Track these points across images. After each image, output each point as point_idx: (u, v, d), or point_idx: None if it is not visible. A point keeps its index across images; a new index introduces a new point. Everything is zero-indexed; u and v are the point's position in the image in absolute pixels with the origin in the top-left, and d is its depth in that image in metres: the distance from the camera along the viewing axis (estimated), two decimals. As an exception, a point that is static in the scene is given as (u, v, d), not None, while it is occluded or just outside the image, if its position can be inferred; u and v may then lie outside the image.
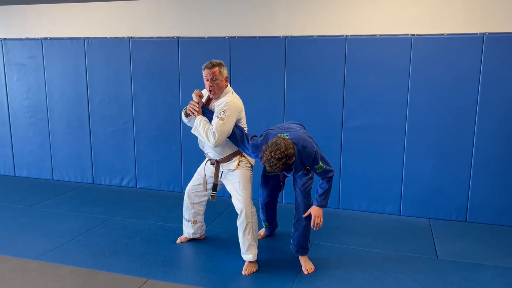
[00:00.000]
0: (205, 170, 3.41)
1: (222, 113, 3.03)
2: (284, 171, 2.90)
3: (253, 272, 3.16)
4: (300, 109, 4.47)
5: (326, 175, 3.01)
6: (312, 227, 3.10)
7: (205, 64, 3.14)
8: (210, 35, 4.68)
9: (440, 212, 4.24)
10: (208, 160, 3.38)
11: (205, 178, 3.43)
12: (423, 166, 4.21)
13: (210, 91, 3.14)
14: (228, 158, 3.24)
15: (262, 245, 3.51)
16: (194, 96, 3.21)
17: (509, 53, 3.85)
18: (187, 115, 3.30)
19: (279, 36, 4.43)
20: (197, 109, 3.16)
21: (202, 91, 3.28)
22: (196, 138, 3.27)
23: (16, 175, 5.68)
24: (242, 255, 3.23)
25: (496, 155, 4.02)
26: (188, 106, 3.21)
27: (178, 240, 3.67)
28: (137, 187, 5.19)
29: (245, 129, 3.26)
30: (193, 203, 3.52)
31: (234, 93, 3.25)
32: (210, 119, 3.14)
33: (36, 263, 3.26)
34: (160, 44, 4.82)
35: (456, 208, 4.19)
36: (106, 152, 5.25)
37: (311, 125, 4.44)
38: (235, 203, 3.22)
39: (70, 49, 5.14)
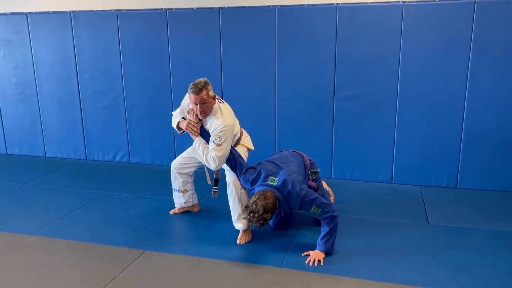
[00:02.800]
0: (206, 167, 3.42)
1: (218, 138, 3.09)
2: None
3: (248, 241, 3.21)
4: (292, 79, 4.45)
5: (324, 216, 2.94)
6: (306, 262, 2.90)
7: (191, 89, 3.06)
8: (199, 5, 4.60)
9: (431, 179, 4.30)
10: None
11: (207, 172, 3.49)
12: (414, 134, 4.24)
13: (201, 114, 3.14)
14: None
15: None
16: (192, 117, 3.20)
17: (500, 18, 3.83)
18: (180, 129, 3.31)
19: (269, 6, 4.37)
20: (196, 130, 3.20)
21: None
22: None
23: (8, 153, 5.66)
24: (233, 224, 3.29)
25: (486, 122, 4.05)
26: (186, 125, 3.21)
27: (171, 212, 3.71)
28: (131, 162, 5.20)
29: (238, 132, 3.34)
30: (180, 173, 3.55)
31: (222, 106, 3.24)
32: (205, 139, 3.21)
33: (32, 238, 3.29)
34: (148, 17, 4.74)
35: (447, 175, 4.25)
36: (98, 128, 5.22)
37: (303, 96, 4.45)
38: (227, 176, 3.26)
39: (56, 23, 5.04)
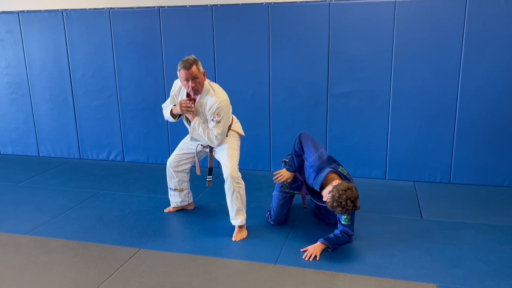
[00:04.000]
0: (196, 154, 3.42)
1: (217, 116, 3.10)
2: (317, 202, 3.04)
3: (243, 238, 3.22)
4: (286, 76, 4.45)
5: (348, 229, 3.02)
6: (304, 257, 2.92)
7: (181, 65, 3.02)
8: (192, 3, 4.59)
9: (425, 175, 4.33)
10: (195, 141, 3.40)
11: (197, 162, 3.47)
12: (407, 130, 4.26)
13: (193, 91, 3.08)
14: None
15: (250, 212, 3.57)
16: (183, 100, 3.16)
17: (491, 13, 3.86)
18: (174, 116, 3.27)
19: (262, 3, 4.37)
20: (192, 107, 3.13)
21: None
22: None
23: (1, 153, 5.62)
24: (231, 220, 3.29)
25: (478, 117, 4.08)
26: (179, 107, 3.15)
27: (166, 210, 3.71)
28: (125, 160, 5.19)
29: (230, 118, 3.31)
30: (177, 171, 3.53)
31: (213, 85, 3.22)
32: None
33: (26, 238, 3.28)
34: (141, 14, 4.72)
35: (440, 170, 4.28)
36: (91, 127, 5.20)
37: (297, 93, 4.46)
38: (223, 170, 3.25)
39: (48, 22, 5.01)
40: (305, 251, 2.98)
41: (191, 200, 3.74)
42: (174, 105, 3.28)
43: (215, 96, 3.12)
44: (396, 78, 4.17)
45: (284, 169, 3.26)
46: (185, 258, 2.94)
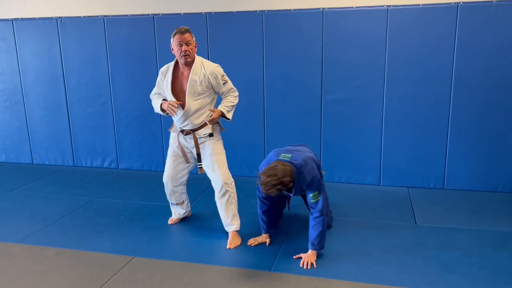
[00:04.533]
0: (181, 145, 3.36)
1: (223, 77, 3.23)
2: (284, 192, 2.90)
3: (237, 245, 3.21)
4: (280, 83, 4.47)
5: (317, 208, 2.90)
6: (301, 265, 2.91)
7: (177, 30, 3.10)
8: (186, 11, 4.62)
9: (419, 181, 4.35)
10: (179, 133, 3.33)
11: (183, 152, 3.37)
12: (401, 136, 4.29)
13: (185, 56, 3.10)
14: (202, 125, 3.26)
15: (245, 219, 3.57)
16: (171, 102, 3.16)
17: (483, 21, 3.91)
18: (163, 110, 3.29)
19: (256, 11, 4.40)
20: (175, 109, 3.13)
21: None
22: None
23: (-6, 160, 5.60)
24: (226, 227, 3.29)
25: (471, 124, 4.12)
26: (166, 106, 3.17)
27: (170, 221, 3.64)
28: (119, 168, 5.17)
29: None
30: (175, 186, 3.48)
31: (203, 59, 3.28)
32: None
33: (20, 246, 3.26)
34: (135, 22, 4.74)
35: (434, 176, 4.31)
36: (86, 134, 5.19)
37: (291, 100, 4.48)
38: (213, 177, 3.25)
39: (42, 29, 5.01)
40: (299, 257, 2.98)
41: (189, 209, 3.74)
42: (164, 99, 3.29)
43: (210, 65, 3.21)
44: (389, 85, 4.21)
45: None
46: (180, 266, 2.94)
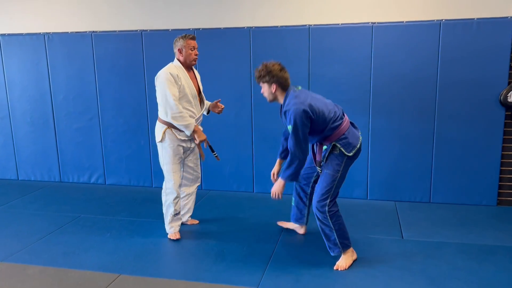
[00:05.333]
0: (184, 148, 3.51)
1: None
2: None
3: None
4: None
5: (291, 144, 2.91)
6: (272, 198, 3.09)
7: (187, 36, 3.37)
8: (174, 27, 4.65)
9: (405, 195, 4.39)
10: (184, 137, 3.45)
11: (201, 150, 3.58)
12: (388, 151, 4.34)
13: (196, 59, 3.43)
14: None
15: (233, 235, 3.55)
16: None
17: (464, 38, 4.00)
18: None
19: (244, 27, 4.45)
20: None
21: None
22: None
23: (-21, 176, 5.52)
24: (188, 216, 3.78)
25: (456, 137, 4.18)
26: (203, 140, 3.42)
27: (174, 238, 3.58)
28: (106, 183, 5.14)
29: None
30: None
31: None
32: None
33: (3, 265, 3.20)
34: (123, 38, 4.75)
35: (420, 190, 4.35)
36: (72, 149, 5.15)
37: (279, 115, 4.49)
38: (196, 173, 3.71)
39: (30, 45, 5.00)
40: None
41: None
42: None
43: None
44: (374, 100, 4.26)
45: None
46: (166, 283, 2.91)
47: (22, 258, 3.31)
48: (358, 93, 4.28)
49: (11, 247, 3.50)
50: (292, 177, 3.04)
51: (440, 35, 4.03)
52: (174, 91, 3.28)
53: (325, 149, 3.06)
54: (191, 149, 3.60)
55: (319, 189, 3.05)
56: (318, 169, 3.15)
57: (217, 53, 4.54)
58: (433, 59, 4.09)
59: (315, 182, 3.33)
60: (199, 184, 3.79)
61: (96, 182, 5.16)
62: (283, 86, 3.02)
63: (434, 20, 4.04)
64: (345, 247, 3.10)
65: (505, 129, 4.10)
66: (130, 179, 5.06)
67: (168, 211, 3.56)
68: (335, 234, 3.06)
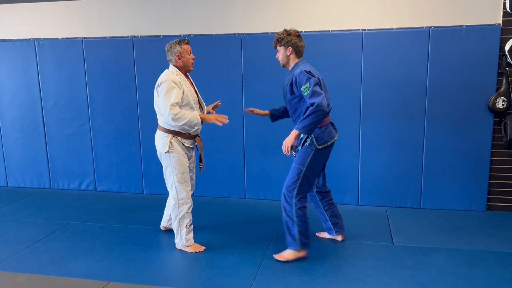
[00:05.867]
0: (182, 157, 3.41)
1: None
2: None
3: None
4: (259, 106, 4.48)
5: (309, 100, 2.99)
6: (284, 152, 3.08)
7: (183, 41, 3.34)
8: (165, 33, 4.65)
9: (396, 200, 4.40)
10: (190, 145, 3.45)
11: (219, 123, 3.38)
12: (378, 156, 4.36)
13: (193, 64, 3.42)
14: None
15: (223, 241, 3.53)
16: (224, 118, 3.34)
17: (453, 45, 4.04)
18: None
19: (235, 34, 4.46)
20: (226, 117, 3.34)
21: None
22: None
23: (-33, 183, 5.46)
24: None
25: (445, 143, 4.21)
26: (215, 120, 3.31)
27: (197, 251, 3.45)
28: (97, 190, 5.10)
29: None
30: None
31: None
32: None
33: (-10, 273, 3.16)
34: (114, 44, 4.75)
35: (411, 196, 4.37)
36: (63, 156, 5.12)
37: (270, 122, 4.50)
38: (193, 183, 3.62)
39: (20, 51, 4.98)
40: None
41: None
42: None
43: None
44: (365, 106, 4.29)
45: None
46: (156, 291, 2.89)
47: (10, 266, 3.27)
48: (349, 99, 4.30)
49: (-1, 255, 3.47)
50: (307, 129, 3.00)
51: (429, 42, 4.07)
52: (179, 99, 3.23)
53: (301, 137, 3.21)
54: (192, 157, 3.57)
55: (286, 181, 3.19)
56: (294, 153, 3.26)
57: (209, 60, 4.55)
58: (422, 65, 4.12)
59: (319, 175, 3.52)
60: (193, 191, 3.70)
61: (86, 188, 5.13)
62: (298, 52, 3.23)
63: (423, 27, 4.08)
64: (303, 246, 3.22)
65: (493, 135, 4.14)
66: (121, 185, 5.03)
67: (183, 223, 3.39)
68: (296, 229, 3.18)
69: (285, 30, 3.23)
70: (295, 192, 3.15)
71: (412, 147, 4.27)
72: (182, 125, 3.24)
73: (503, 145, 4.14)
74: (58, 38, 4.89)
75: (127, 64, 4.73)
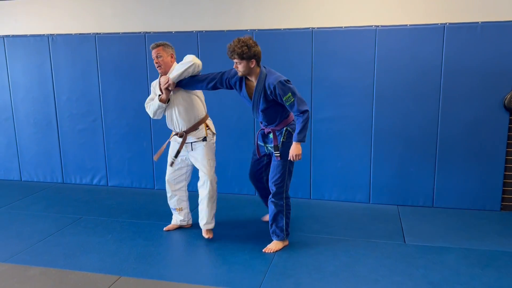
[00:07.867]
0: (170, 145, 3.63)
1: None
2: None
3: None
4: (270, 102, 4.49)
5: (298, 108, 3.08)
6: (290, 158, 3.22)
7: (151, 46, 3.42)
8: (177, 29, 4.66)
9: (408, 199, 4.36)
10: (174, 136, 3.58)
11: (163, 149, 3.65)
12: (390, 154, 4.31)
13: (157, 66, 3.41)
14: (194, 127, 3.51)
15: (234, 238, 3.55)
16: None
17: (468, 41, 3.98)
18: (164, 101, 3.44)
19: (247, 30, 4.44)
20: (171, 83, 3.33)
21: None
22: (165, 132, 3.27)
23: (-18, 177, 5.54)
24: (206, 225, 3.53)
25: (459, 142, 4.15)
26: (160, 85, 3.39)
27: (166, 228, 3.80)
28: (109, 185, 5.14)
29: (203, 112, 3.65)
30: (175, 190, 3.71)
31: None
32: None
33: (4, 266, 3.20)
34: (127, 40, 4.76)
35: (423, 194, 4.32)
36: (75, 151, 5.16)
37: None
38: (201, 175, 3.52)
39: (34, 46, 5.02)
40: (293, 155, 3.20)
41: (190, 221, 3.87)
42: (159, 95, 3.46)
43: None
44: (378, 104, 4.24)
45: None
46: (166, 286, 2.90)
47: (23, 259, 3.31)
48: (361, 96, 4.26)
49: (13, 248, 3.51)
50: (305, 136, 3.18)
51: (444, 38, 4.01)
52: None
53: (278, 134, 3.31)
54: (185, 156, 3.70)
55: (272, 177, 3.30)
56: (276, 153, 3.30)
57: (220, 56, 4.52)
58: (437, 62, 4.06)
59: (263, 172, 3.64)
60: (208, 191, 3.61)
61: (98, 183, 5.17)
62: (259, 60, 3.21)
63: (438, 24, 4.02)
64: (287, 236, 3.42)
65: (509, 133, 4.07)
66: (132, 181, 5.06)
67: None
68: (284, 220, 3.36)
69: (242, 42, 3.08)
70: (284, 188, 3.32)
71: (425, 145, 4.22)
72: (150, 108, 3.57)
73: (518, 144, 4.07)
74: (71, 34, 4.92)
75: (139, 60, 4.75)
